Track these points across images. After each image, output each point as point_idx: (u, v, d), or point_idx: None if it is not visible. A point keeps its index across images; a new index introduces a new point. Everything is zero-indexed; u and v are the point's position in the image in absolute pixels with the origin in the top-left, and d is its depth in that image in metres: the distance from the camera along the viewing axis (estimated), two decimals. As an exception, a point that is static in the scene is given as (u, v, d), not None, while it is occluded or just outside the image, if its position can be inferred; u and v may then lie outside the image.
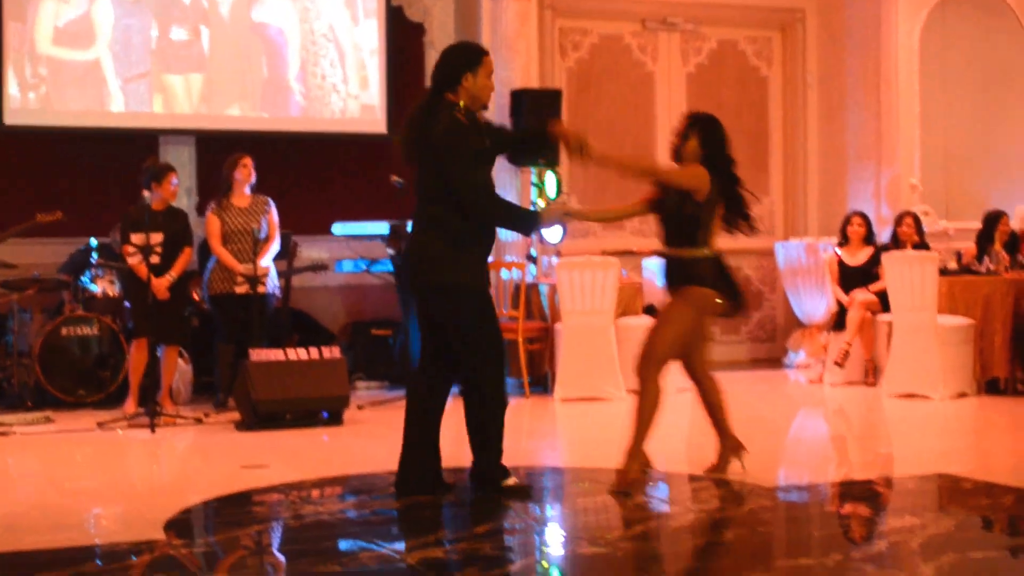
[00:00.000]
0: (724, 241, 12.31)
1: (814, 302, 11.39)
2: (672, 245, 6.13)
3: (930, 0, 11.76)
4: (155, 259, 8.47)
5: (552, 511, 5.60)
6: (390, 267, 10.17)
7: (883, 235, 10.82)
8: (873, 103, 11.81)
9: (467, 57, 5.84)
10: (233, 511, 5.69)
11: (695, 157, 6.14)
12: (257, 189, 9.22)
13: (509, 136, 6.32)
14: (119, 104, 10.50)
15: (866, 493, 6.00)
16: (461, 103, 5.78)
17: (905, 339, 9.40)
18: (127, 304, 9.32)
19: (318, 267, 9.92)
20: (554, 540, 5.18)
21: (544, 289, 10.05)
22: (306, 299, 10.67)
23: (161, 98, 10.61)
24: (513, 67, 10.83)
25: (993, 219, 10.27)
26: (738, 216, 6.16)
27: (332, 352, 8.50)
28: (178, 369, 9.25)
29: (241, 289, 8.88)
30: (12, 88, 10.21)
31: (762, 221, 12.26)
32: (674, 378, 9.81)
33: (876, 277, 10.14)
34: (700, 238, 6.06)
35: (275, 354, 8.34)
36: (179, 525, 5.38)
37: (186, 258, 8.95)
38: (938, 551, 4.56)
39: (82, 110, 10.45)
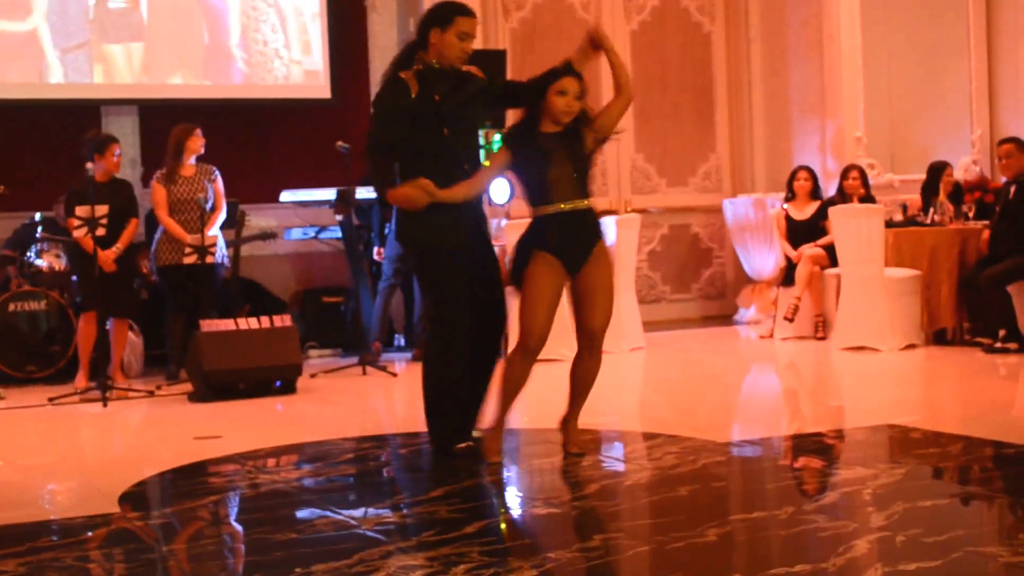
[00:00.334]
0: (674, 198, 12.43)
1: (763, 258, 11.48)
2: (581, 196, 5.60)
3: (871, -47, 11.82)
4: (101, 231, 8.39)
5: (508, 473, 5.62)
6: (339, 234, 10.14)
7: (829, 189, 10.89)
8: (816, 57, 11.87)
9: (439, 13, 5.79)
10: (188, 482, 5.67)
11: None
12: (203, 158, 9.15)
13: (511, 86, 6.18)
14: (58, 75, 10.38)
15: (818, 446, 6.06)
16: (428, 62, 5.72)
17: (853, 292, 9.49)
18: (74, 278, 9.24)
19: (267, 235, 9.87)
20: (510, 502, 5.20)
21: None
22: (256, 268, 10.63)
23: (101, 68, 10.50)
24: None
25: (937, 170, 10.35)
26: None
27: (283, 320, 8.48)
28: (128, 342, 9.20)
29: (189, 259, 8.82)
30: (-51, 62, 10.08)
31: (709, 178, 12.36)
32: (629, 338, 9.93)
33: (823, 231, 10.21)
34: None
35: (226, 324, 8.30)
36: (134, 498, 5.35)
37: (132, 229, 8.88)
38: (889, 500, 4.62)
39: (21, 82, 10.33)
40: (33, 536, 4.62)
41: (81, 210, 8.40)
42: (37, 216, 9.63)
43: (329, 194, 9.93)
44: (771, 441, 6.26)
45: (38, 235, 9.52)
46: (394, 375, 9.00)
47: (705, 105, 12.41)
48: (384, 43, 11.47)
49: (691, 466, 5.44)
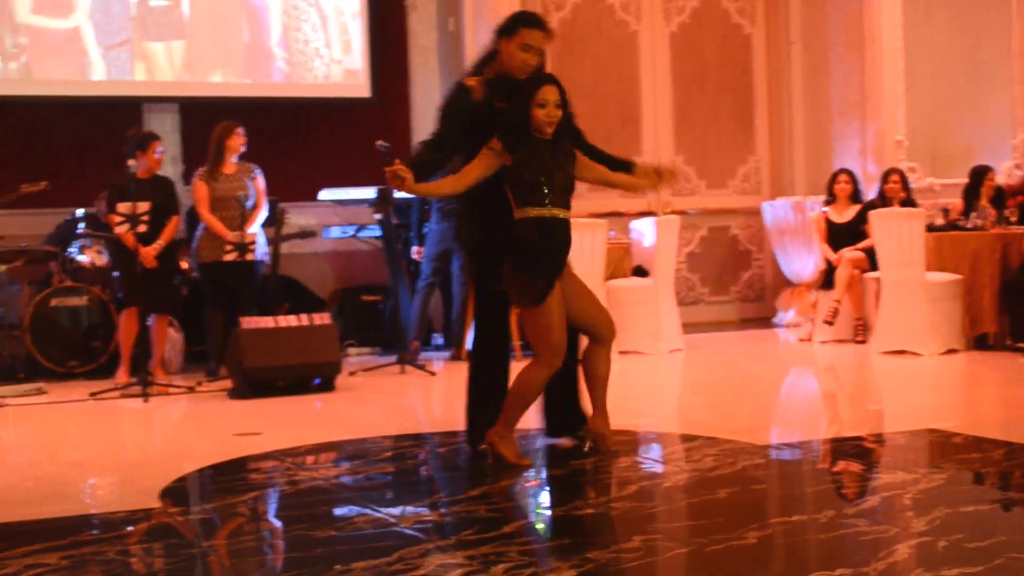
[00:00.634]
0: (713, 200, 12.40)
1: (802, 261, 11.43)
2: (568, 207, 5.61)
3: (913, -46, 11.76)
4: (142, 228, 8.44)
5: (546, 472, 5.62)
6: (378, 232, 10.17)
7: (870, 192, 10.84)
8: (857, 59, 11.81)
9: (507, 22, 5.83)
10: (228, 478, 5.70)
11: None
12: (243, 156, 9.19)
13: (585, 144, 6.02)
14: (100, 72, 10.45)
15: (857, 449, 6.03)
16: (497, 72, 5.74)
17: (894, 296, 9.43)
18: (116, 274, 9.30)
19: (306, 234, 9.90)
20: (549, 501, 5.20)
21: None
22: (295, 266, 10.66)
23: (143, 66, 10.56)
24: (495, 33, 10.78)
25: (979, 174, 10.29)
26: None
27: (323, 318, 8.51)
28: (169, 338, 9.25)
29: (230, 257, 8.86)
30: (-7, 58, 10.17)
31: (748, 180, 12.32)
32: (668, 339, 9.91)
33: (864, 235, 10.15)
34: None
35: (266, 321, 8.34)
36: (175, 493, 5.38)
37: (173, 226, 8.94)
38: (930, 506, 4.59)
39: (64, 79, 10.40)
40: (75, 530, 4.65)
41: (123, 206, 8.44)
42: (79, 212, 9.70)
43: (368, 193, 9.95)
44: (810, 444, 6.23)
45: (80, 231, 9.59)
46: (432, 374, 9.01)
47: (745, 107, 12.37)
48: (424, 43, 11.49)
49: (730, 468, 5.42)
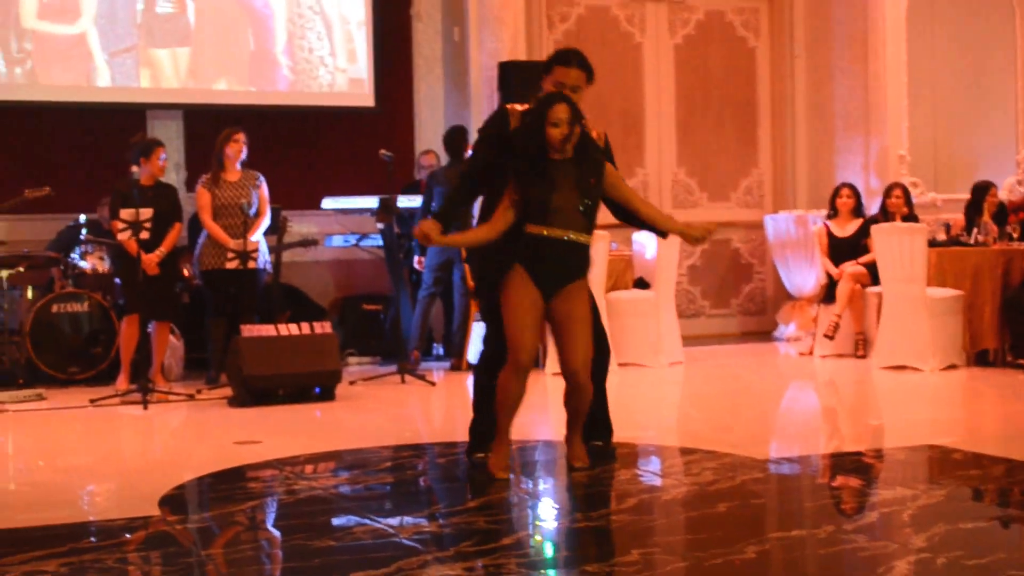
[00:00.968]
0: (715, 213, 12.39)
1: (804, 275, 11.42)
2: (582, 229, 5.56)
3: (917, -30, 11.77)
4: (145, 235, 8.44)
5: (545, 484, 5.62)
6: (380, 241, 10.17)
7: (872, 207, 10.84)
8: (861, 73, 11.82)
9: (548, 59, 5.95)
10: (227, 487, 5.69)
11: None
12: (246, 164, 9.19)
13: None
14: (106, 79, 10.46)
15: (857, 465, 6.03)
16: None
17: (895, 311, 9.43)
18: (117, 280, 9.30)
19: (308, 242, 9.90)
20: (548, 513, 5.20)
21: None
22: (296, 274, 10.66)
23: (148, 72, 10.58)
24: (500, 39, 10.82)
25: (981, 190, 10.29)
26: None
27: (323, 327, 8.51)
28: (169, 345, 9.25)
29: (232, 264, 8.86)
30: (-2, 64, 10.18)
31: (751, 193, 12.32)
32: (668, 352, 9.91)
33: (865, 249, 10.15)
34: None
35: (267, 330, 8.34)
36: (173, 501, 5.38)
37: (176, 233, 8.94)
38: (929, 522, 4.59)
39: (69, 85, 10.41)
40: (74, 537, 4.65)
41: (126, 213, 8.44)
42: (82, 218, 9.70)
43: (371, 202, 9.95)
44: (810, 459, 6.23)
45: (82, 237, 9.60)
46: (432, 384, 9.00)
47: (748, 120, 12.38)
48: (429, 52, 11.51)
49: (729, 482, 5.42)
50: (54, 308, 9.32)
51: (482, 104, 10.81)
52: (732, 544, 4.31)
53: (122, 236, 8.56)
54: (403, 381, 8.98)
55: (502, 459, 5.63)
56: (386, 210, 9.50)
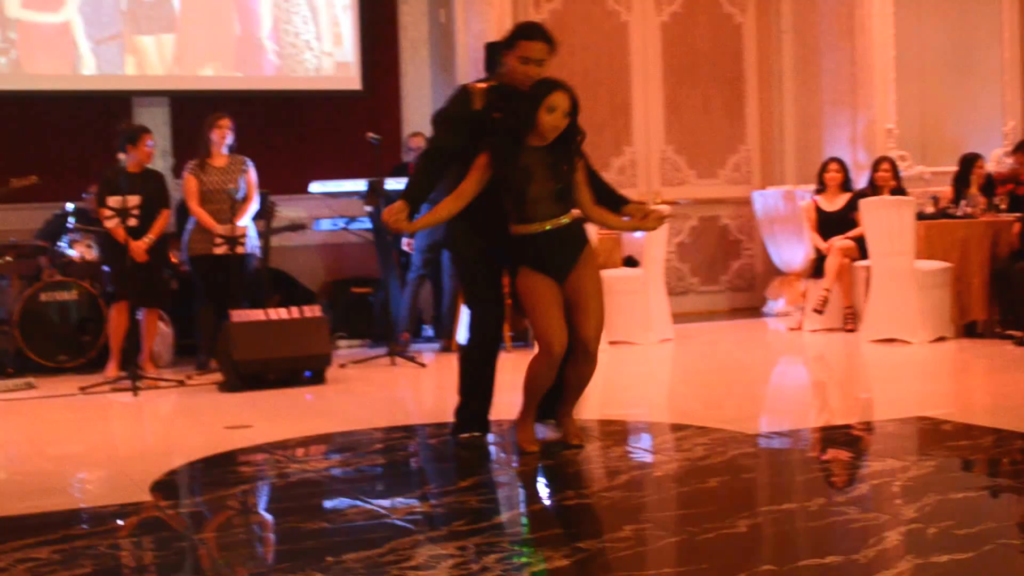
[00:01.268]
0: (703, 190, 12.39)
1: (792, 250, 11.43)
2: (562, 212, 5.59)
3: (903, -56, 11.76)
4: (132, 222, 8.42)
5: (535, 463, 5.63)
6: (369, 225, 10.16)
7: (860, 181, 10.85)
8: (847, 48, 11.81)
9: (509, 34, 5.86)
10: (219, 471, 5.70)
11: None
12: (233, 149, 9.17)
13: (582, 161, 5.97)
14: (91, 67, 10.43)
15: (847, 438, 6.05)
16: (502, 81, 5.77)
17: (883, 284, 9.45)
18: (106, 268, 9.28)
19: (297, 226, 9.90)
20: (540, 492, 5.21)
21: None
22: (285, 258, 10.65)
23: (133, 59, 10.54)
24: (487, 20, 10.81)
25: (969, 162, 10.30)
26: None
27: (313, 311, 8.51)
28: (159, 332, 9.24)
29: (220, 250, 8.84)
30: (-18, 53, 10.14)
31: (739, 169, 12.32)
32: (658, 329, 9.92)
33: (854, 223, 10.16)
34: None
35: (256, 314, 8.33)
36: (165, 487, 5.39)
37: (164, 220, 8.92)
38: (920, 493, 4.61)
39: (54, 73, 10.38)
40: (66, 524, 4.66)
41: (113, 200, 8.42)
42: (69, 206, 9.67)
43: (359, 185, 9.93)
44: (800, 433, 6.24)
45: (70, 225, 9.57)
46: (423, 366, 9.01)
47: (735, 97, 12.37)
48: (415, 35, 11.48)
49: (720, 457, 5.43)
50: (42, 297, 9.30)
51: (468, 85, 10.78)
52: (724, 519, 4.32)
53: (110, 223, 8.54)
54: (393, 363, 8.98)
55: (529, 434, 5.69)
56: (374, 193, 9.48)
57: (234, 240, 8.79)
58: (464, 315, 9.58)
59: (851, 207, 10.24)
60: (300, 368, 8.34)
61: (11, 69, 10.29)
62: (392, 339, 9.26)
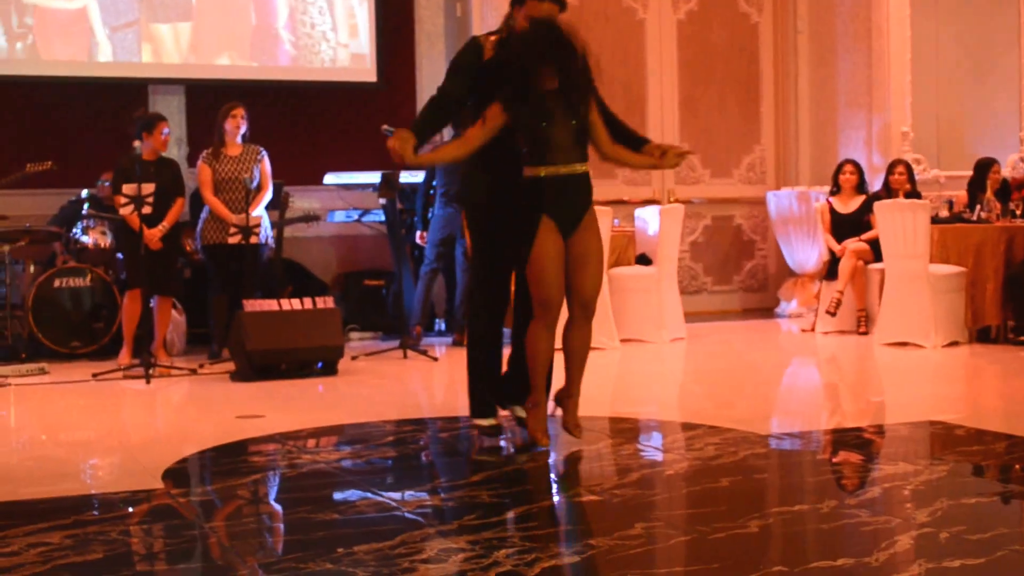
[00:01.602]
0: (717, 189, 12.38)
1: (806, 251, 11.42)
2: (579, 159, 5.59)
3: (921, -54, 11.73)
4: (147, 210, 8.43)
5: (548, 459, 5.63)
6: (382, 217, 10.16)
7: (875, 183, 10.83)
8: (864, 49, 11.79)
9: None
10: (230, 460, 5.70)
11: None
12: (248, 138, 9.17)
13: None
14: (107, 54, 10.44)
15: (859, 440, 6.04)
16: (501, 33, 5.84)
17: (897, 288, 9.43)
18: (120, 255, 9.30)
19: (310, 218, 9.90)
20: (551, 488, 5.20)
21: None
22: (298, 249, 10.66)
23: (150, 47, 10.55)
24: (502, 14, 10.72)
25: (984, 167, 10.28)
26: None
27: (326, 302, 8.51)
28: (172, 320, 9.25)
29: (234, 239, 8.85)
30: None
31: (753, 170, 12.30)
32: (670, 328, 9.92)
33: (868, 226, 10.14)
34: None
35: (269, 304, 8.34)
36: (176, 475, 5.40)
37: (178, 208, 8.93)
38: (931, 497, 4.60)
39: (70, 60, 10.39)
40: (78, 510, 4.67)
41: (128, 188, 8.43)
42: (84, 193, 9.69)
43: (373, 177, 9.94)
44: (812, 435, 6.23)
45: (84, 212, 9.59)
46: (435, 359, 9.01)
47: (751, 96, 12.35)
48: (430, 28, 11.48)
49: (731, 457, 5.43)
50: (56, 283, 9.32)
51: (484, 80, 10.78)
52: (735, 518, 4.31)
53: (124, 211, 8.55)
54: (405, 356, 8.98)
55: (540, 422, 5.64)
56: (388, 185, 9.47)
57: (248, 230, 8.79)
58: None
59: (866, 209, 10.22)
60: (312, 359, 8.35)
61: (27, 55, 10.30)
62: (404, 332, 9.26)
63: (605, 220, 9.46)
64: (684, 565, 3.91)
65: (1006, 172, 10.96)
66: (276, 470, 5.61)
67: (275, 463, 5.76)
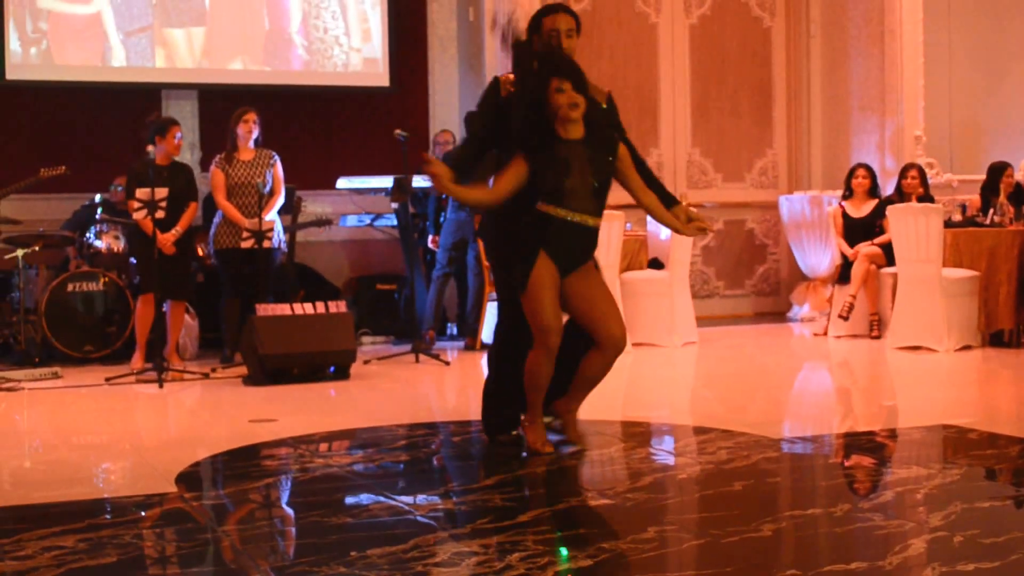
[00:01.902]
0: (730, 193, 12.38)
1: (818, 255, 11.41)
2: (594, 212, 5.56)
3: (934, -50, 11.72)
4: (160, 214, 8.45)
5: (559, 463, 5.63)
6: (394, 221, 10.17)
7: (887, 187, 10.81)
8: (877, 54, 11.77)
9: (531, 20, 5.93)
10: (242, 464, 5.71)
11: None
12: (260, 143, 9.19)
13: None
14: (120, 58, 10.47)
15: (871, 444, 6.03)
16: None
17: (910, 292, 9.41)
18: (133, 260, 9.32)
19: (323, 222, 9.91)
20: (563, 491, 5.20)
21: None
22: (311, 254, 10.68)
23: (163, 52, 10.58)
24: (516, 19, 10.79)
25: (997, 171, 10.26)
26: None
27: (338, 307, 8.52)
28: (184, 324, 9.27)
29: (246, 244, 8.86)
30: (13, 43, 10.20)
31: (766, 174, 12.29)
32: (682, 332, 9.91)
33: (881, 230, 10.13)
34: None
35: (281, 309, 8.35)
36: (189, 478, 5.40)
37: (191, 213, 8.95)
38: (945, 501, 4.59)
39: (84, 64, 10.43)
40: (91, 514, 4.67)
41: (141, 192, 8.45)
42: (97, 198, 9.72)
43: (386, 182, 9.96)
44: (824, 439, 6.22)
45: (98, 216, 9.62)
46: (446, 364, 9.01)
47: (763, 101, 12.35)
48: (443, 32, 11.50)
49: (744, 461, 5.42)
50: (69, 287, 9.35)
51: (497, 84, 10.80)
52: (748, 522, 4.31)
53: (138, 215, 8.56)
54: (417, 360, 8.99)
55: (540, 434, 5.66)
56: (401, 190, 9.50)
57: (261, 234, 8.80)
58: (490, 312, 9.62)
59: (878, 214, 10.20)
60: (324, 363, 8.36)
61: (42, 60, 10.34)
62: (417, 336, 9.27)
63: (617, 224, 9.49)
64: (697, 569, 3.90)
65: (1019, 176, 10.93)
66: (288, 474, 5.62)
67: (287, 467, 5.76)
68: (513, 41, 6.00)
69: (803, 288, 11.80)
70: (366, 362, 8.94)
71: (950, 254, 9.46)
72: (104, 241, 9.65)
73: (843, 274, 10.30)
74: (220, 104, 10.29)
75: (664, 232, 10.10)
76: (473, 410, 6.03)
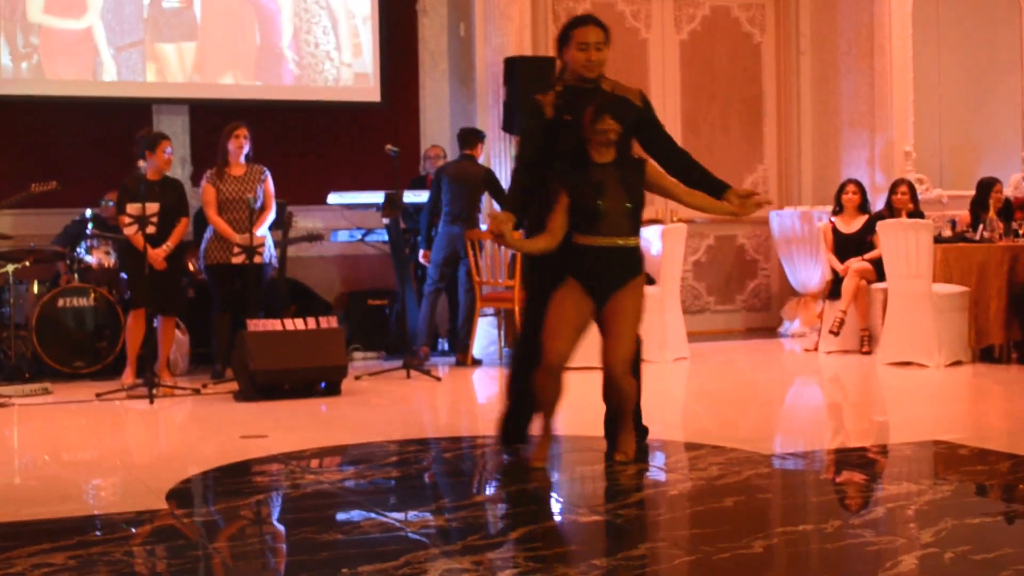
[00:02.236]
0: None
1: (809, 271, 11.43)
2: (630, 233, 5.66)
3: (923, -34, 11.76)
4: (151, 229, 8.44)
5: (552, 479, 5.63)
6: (386, 236, 10.17)
7: (878, 203, 10.83)
8: (866, 69, 11.80)
9: (560, 33, 5.97)
10: (233, 481, 5.71)
11: None
12: (251, 158, 9.18)
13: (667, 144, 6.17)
14: (111, 73, 10.47)
15: (862, 460, 6.03)
16: (566, 83, 5.88)
17: (900, 307, 9.42)
18: (123, 275, 9.31)
19: (314, 237, 9.90)
20: (555, 508, 5.20)
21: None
22: (302, 269, 10.66)
23: (154, 67, 10.58)
24: (506, 34, 10.82)
25: (987, 186, 10.28)
26: None
27: (329, 322, 8.51)
28: (175, 340, 9.25)
29: (237, 259, 8.86)
30: (4, 58, 10.19)
31: (756, 189, 12.30)
32: (673, 348, 9.91)
33: (871, 245, 10.15)
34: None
35: (272, 324, 8.34)
36: (180, 495, 5.39)
37: (182, 228, 8.94)
38: (936, 517, 4.59)
39: (75, 79, 10.42)
40: (81, 530, 4.66)
41: (132, 208, 8.44)
42: (88, 213, 9.71)
43: (377, 197, 9.95)
44: (815, 455, 6.23)
45: (88, 232, 9.61)
46: (438, 379, 9.00)
47: (753, 116, 12.37)
48: (434, 47, 11.51)
49: (735, 477, 5.42)
50: (60, 302, 9.33)
51: (487, 99, 10.83)
52: (739, 539, 4.31)
53: (128, 231, 8.56)
54: (408, 376, 8.97)
55: (541, 451, 5.69)
56: (392, 205, 9.49)
57: (252, 250, 8.80)
58: (481, 328, 9.63)
59: (868, 229, 10.22)
60: (315, 379, 8.34)
61: (32, 74, 10.33)
62: (408, 352, 9.26)
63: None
64: (688, 586, 3.91)
65: (1008, 192, 10.97)
66: (279, 490, 5.61)
67: (278, 483, 5.75)
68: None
69: (794, 303, 11.82)
70: (357, 378, 8.93)
71: (940, 270, 9.48)
72: (95, 256, 9.64)
73: (833, 290, 10.31)
74: (211, 119, 10.29)
75: (655, 247, 10.11)
76: (464, 426, 6.03)
